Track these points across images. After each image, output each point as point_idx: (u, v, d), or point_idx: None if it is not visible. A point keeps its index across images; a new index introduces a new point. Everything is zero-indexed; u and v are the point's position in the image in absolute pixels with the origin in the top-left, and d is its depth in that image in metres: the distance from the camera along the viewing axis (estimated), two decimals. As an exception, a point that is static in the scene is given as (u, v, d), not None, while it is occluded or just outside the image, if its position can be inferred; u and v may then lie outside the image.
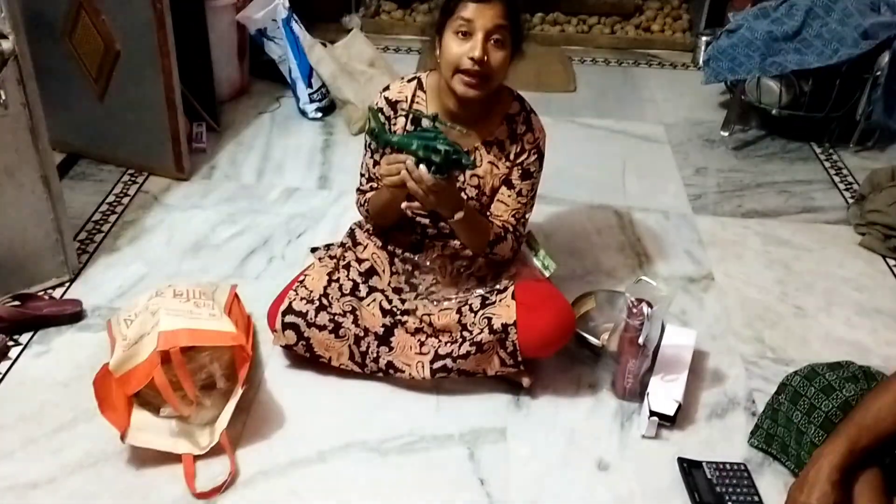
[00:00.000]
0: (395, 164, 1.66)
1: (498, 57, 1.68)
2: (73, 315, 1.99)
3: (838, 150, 3.02)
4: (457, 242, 1.91)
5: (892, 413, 1.45)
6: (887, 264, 2.41)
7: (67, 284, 2.13)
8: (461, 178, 1.83)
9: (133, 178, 2.62)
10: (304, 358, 1.84)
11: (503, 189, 1.87)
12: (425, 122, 1.67)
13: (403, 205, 1.72)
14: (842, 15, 2.80)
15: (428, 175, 1.61)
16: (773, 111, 3.00)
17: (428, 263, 1.94)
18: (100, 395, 1.58)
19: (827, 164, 2.94)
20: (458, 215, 1.71)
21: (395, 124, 1.83)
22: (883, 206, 2.48)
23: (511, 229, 1.88)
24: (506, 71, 1.73)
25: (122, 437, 1.59)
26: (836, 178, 2.85)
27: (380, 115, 1.83)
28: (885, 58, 2.80)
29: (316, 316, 1.80)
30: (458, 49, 1.66)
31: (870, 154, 3.01)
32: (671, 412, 1.75)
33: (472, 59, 1.65)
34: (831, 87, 2.86)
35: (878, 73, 2.82)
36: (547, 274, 1.94)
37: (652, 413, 1.75)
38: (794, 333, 2.11)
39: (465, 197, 1.83)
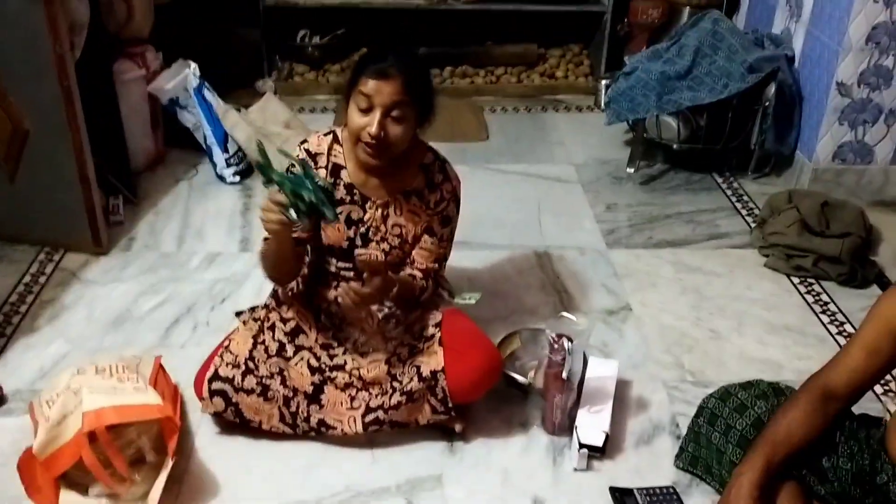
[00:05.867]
0: (273, 208, 1.65)
1: (396, 131, 1.74)
2: (-8, 401, 1.94)
3: (738, 179, 3.18)
4: None
5: (801, 426, 1.53)
6: (792, 283, 2.54)
7: (-15, 370, 2.07)
8: (382, 228, 1.87)
9: (49, 256, 2.57)
10: (235, 423, 1.83)
11: (425, 237, 1.92)
12: (297, 169, 1.70)
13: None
14: (728, 52, 2.98)
15: (353, 294, 1.73)
16: (674, 146, 3.15)
17: (351, 314, 1.96)
18: (25, 479, 1.55)
19: (728, 192, 3.09)
20: (392, 294, 1.79)
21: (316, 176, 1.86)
22: (782, 227, 2.62)
23: (432, 274, 1.95)
24: (407, 141, 1.79)
25: (51, 522, 1.56)
26: (738, 205, 3.00)
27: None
28: (772, 89, 2.99)
29: (243, 380, 1.80)
30: (359, 121, 1.73)
31: (767, 180, 3.18)
32: (600, 443, 1.80)
33: (369, 133, 1.71)
34: (725, 120, 3.03)
35: (767, 103, 3.01)
36: (473, 302, 1.97)
37: (581, 445, 1.80)
38: (710, 356, 2.20)
39: (388, 246, 1.88)
